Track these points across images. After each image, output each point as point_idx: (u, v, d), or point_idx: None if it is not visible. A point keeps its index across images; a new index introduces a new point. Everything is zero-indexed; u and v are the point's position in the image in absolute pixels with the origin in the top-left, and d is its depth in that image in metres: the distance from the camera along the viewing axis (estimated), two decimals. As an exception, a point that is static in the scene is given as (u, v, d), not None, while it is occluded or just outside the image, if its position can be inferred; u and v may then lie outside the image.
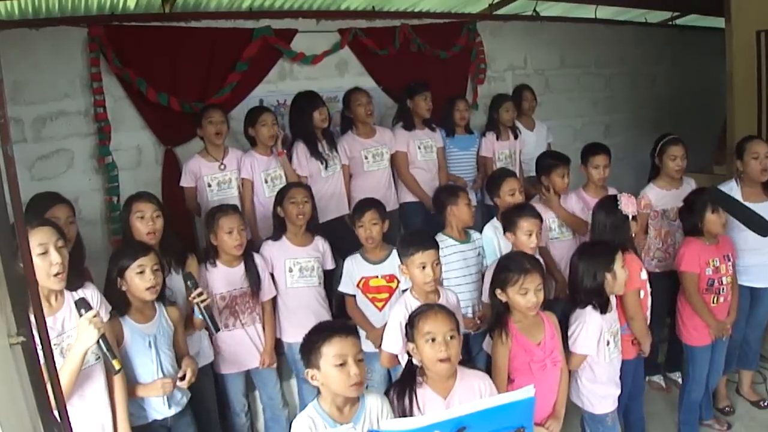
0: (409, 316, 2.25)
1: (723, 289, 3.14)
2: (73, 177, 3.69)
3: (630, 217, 2.95)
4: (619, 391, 2.80)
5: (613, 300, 2.78)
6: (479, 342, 3.16)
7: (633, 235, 2.98)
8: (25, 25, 3.53)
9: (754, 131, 4.10)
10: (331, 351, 1.95)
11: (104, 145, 3.76)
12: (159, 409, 2.51)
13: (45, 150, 3.63)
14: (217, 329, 2.69)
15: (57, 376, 1.37)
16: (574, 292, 2.77)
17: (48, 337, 1.48)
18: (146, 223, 2.79)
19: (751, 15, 4.24)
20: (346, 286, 3.24)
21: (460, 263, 3.25)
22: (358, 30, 4.59)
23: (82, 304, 2.12)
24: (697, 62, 6.71)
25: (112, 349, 2.15)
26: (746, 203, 3.27)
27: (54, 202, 2.76)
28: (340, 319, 2.13)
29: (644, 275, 2.93)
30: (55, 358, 2.07)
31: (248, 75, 4.17)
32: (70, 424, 1.40)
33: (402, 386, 2.20)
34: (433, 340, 2.12)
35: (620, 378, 2.82)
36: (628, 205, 2.95)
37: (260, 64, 4.24)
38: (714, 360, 3.25)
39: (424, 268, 2.61)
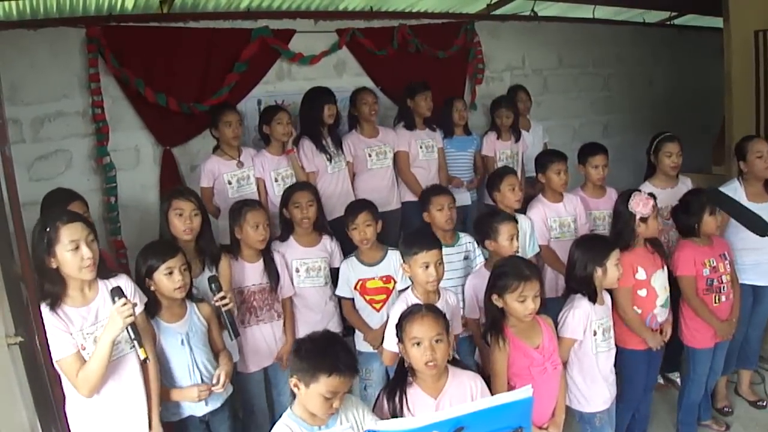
0: (399, 317, 2.24)
1: (724, 287, 3.14)
2: (72, 177, 3.69)
3: (638, 216, 2.94)
4: (610, 393, 2.79)
5: (607, 297, 2.80)
6: (465, 345, 3.12)
7: (639, 234, 2.96)
8: (23, 26, 3.52)
9: (752, 131, 4.10)
10: (326, 385, 1.91)
11: (102, 146, 3.76)
12: (194, 407, 2.51)
13: (43, 150, 3.64)
14: (237, 335, 2.68)
15: (56, 374, 1.37)
16: (569, 279, 2.81)
17: (46, 337, 1.48)
18: (184, 221, 2.79)
19: (749, 15, 4.25)
20: (342, 290, 3.22)
21: None
22: (356, 30, 4.59)
23: (116, 293, 2.14)
24: (695, 62, 6.71)
25: (140, 337, 2.16)
26: (750, 203, 3.26)
27: (71, 198, 2.79)
28: (351, 353, 2.08)
29: (642, 275, 2.93)
30: (89, 347, 2.11)
31: (246, 75, 4.17)
32: (67, 422, 1.40)
33: (393, 386, 2.20)
34: (419, 344, 2.12)
35: (631, 370, 2.86)
36: (638, 204, 2.93)
37: (258, 65, 4.24)
38: (714, 361, 3.25)
39: (427, 267, 2.60)
